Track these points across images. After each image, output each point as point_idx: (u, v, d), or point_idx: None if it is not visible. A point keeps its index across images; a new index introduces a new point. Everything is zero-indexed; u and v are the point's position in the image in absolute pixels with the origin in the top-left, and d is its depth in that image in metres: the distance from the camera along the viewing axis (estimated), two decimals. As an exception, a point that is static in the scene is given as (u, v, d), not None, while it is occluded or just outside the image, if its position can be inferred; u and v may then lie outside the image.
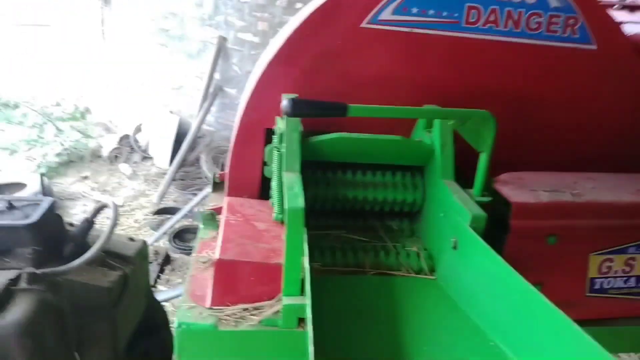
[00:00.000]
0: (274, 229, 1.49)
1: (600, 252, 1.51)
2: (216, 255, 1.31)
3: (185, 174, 5.36)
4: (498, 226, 1.44)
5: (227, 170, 1.76)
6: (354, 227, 1.69)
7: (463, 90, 1.69)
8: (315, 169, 1.60)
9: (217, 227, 1.72)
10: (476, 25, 1.62)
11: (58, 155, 5.55)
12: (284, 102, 1.21)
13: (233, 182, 1.72)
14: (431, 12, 1.58)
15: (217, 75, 5.45)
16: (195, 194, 5.14)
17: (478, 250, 1.30)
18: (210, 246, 1.57)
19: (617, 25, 1.74)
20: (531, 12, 1.63)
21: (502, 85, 1.71)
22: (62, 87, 7.11)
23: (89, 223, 1.43)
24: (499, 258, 1.24)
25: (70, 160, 5.60)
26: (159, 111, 5.93)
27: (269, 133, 1.66)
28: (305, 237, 1.23)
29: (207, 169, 5.27)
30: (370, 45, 1.61)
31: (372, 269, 1.52)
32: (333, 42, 1.59)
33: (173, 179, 5.18)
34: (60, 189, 5.02)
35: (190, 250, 4.27)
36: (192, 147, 5.45)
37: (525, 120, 1.77)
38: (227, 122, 5.65)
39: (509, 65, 1.70)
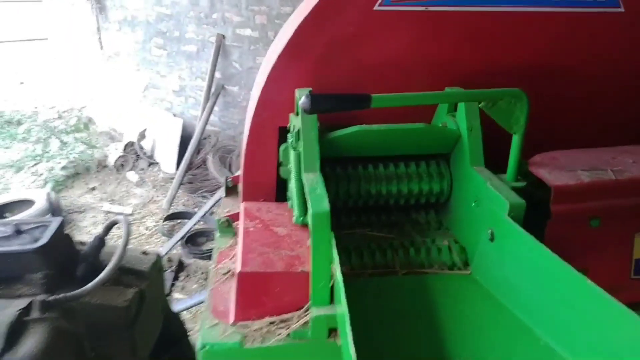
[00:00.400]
0: (296, 232, 1.40)
1: (647, 231, 1.40)
2: (237, 268, 1.22)
3: (193, 177, 5.29)
4: (536, 212, 1.34)
5: (240, 173, 1.66)
6: (379, 223, 1.59)
7: (485, 69, 1.58)
8: (334, 165, 1.50)
9: (234, 234, 1.63)
10: (497, -2, 1.51)
11: (64, 168, 5.50)
12: (303, 99, 1.11)
13: (248, 186, 1.63)
14: (446, -13, 1.47)
15: (218, 74, 5.35)
16: (204, 197, 5.07)
17: (519, 240, 1.20)
18: (229, 256, 1.49)
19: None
20: (556, -22, 1.51)
21: (527, 60, 1.60)
22: (63, 99, 7.05)
23: (101, 241, 1.35)
24: (543, 247, 1.14)
25: (77, 172, 5.55)
26: (162, 115, 5.85)
27: (283, 131, 1.57)
28: (333, 242, 1.14)
29: (214, 170, 5.19)
30: (385, 28, 1.50)
31: (402, 269, 1.43)
32: (345, 28, 1.48)
33: (181, 183, 5.10)
34: (68, 202, 4.97)
35: (204, 254, 4.20)
36: (197, 149, 5.37)
37: (554, 96, 1.66)
38: (232, 120, 5.56)
39: (532, 38, 1.58)
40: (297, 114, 1.46)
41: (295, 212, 1.41)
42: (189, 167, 5.25)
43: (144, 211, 4.90)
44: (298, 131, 1.37)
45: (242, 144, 1.66)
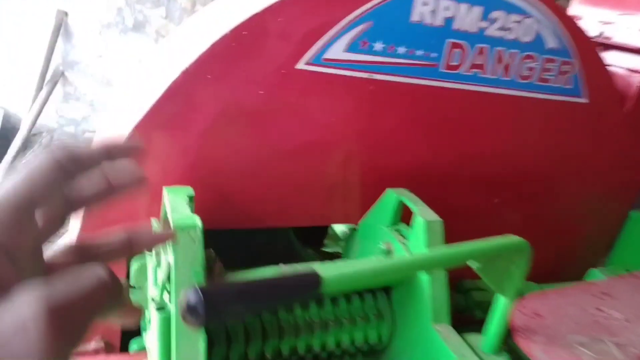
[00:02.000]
0: None
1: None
2: None
3: (16, 184, 4.21)
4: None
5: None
6: None
7: (436, 157, 1.18)
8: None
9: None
10: (458, 71, 1.10)
11: None
12: (187, 301, 0.53)
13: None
14: (401, 49, 1.02)
15: (57, 58, 4.33)
16: (30, 210, 4.07)
17: None
18: None
19: (609, 73, 1.34)
20: (526, 54, 1.15)
21: (485, 149, 1.23)
22: None
23: None
24: None
25: None
26: (-25, 99, 4.62)
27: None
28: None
29: (46, 178, 4.19)
30: (308, 96, 1.00)
31: None
32: (251, 90, 0.95)
33: (-3, 193, 4.03)
34: None
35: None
36: (25, 148, 4.31)
37: (514, 191, 1.33)
38: (72, 115, 4.57)
39: (493, 125, 1.21)
40: (164, 222, 0.89)
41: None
42: (11, 170, 4.16)
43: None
44: (169, 263, 0.81)
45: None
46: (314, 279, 0.60)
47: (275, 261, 1.31)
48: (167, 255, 0.81)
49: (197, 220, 0.79)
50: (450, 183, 1.23)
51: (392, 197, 1.06)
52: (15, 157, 4.24)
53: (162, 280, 0.80)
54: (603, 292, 1.14)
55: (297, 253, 1.37)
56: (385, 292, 1.09)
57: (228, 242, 1.18)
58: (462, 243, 0.79)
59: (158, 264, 0.85)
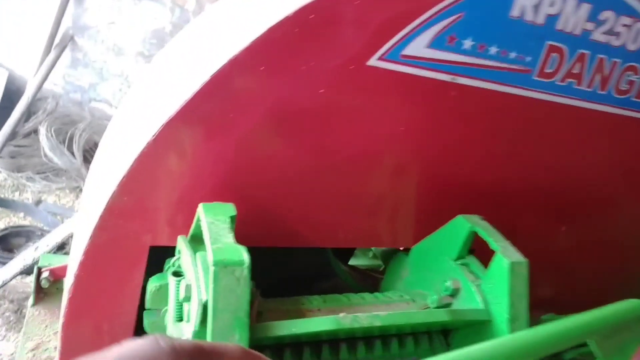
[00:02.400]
0: None
1: None
2: None
3: (17, 150, 4.07)
4: None
5: (62, 317, 0.86)
6: None
7: (511, 182, 1.00)
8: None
9: None
10: (552, 79, 0.91)
11: None
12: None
13: (69, 342, 0.84)
14: (493, 49, 0.83)
15: (67, 22, 4.13)
16: (31, 179, 3.93)
17: None
18: None
19: None
20: (628, 64, 0.97)
21: (567, 172, 1.06)
22: None
23: None
24: None
25: None
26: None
27: (158, 255, 0.82)
28: None
29: (47, 146, 4.04)
30: (377, 98, 0.82)
31: None
32: (311, 88, 0.77)
33: (-1, 156, 3.89)
34: None
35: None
36: (28, 114, 4.14)
37: (584, 220, 1.16)
38: (80, 82, 4.39)
39: (581, 145, 1.03)
40: (191, 242, 0.72)
41: None
42: (13, 135, 4.02)
43: None
44: (205, 305, 0.64)
45: (71, 263, 0.86)
46: None
47: (310, 277, 1.15)
48: (202, 293, 0.64)
49: (245, 255, 0.62)
50: (523, 209, 1.06)
51: (463, 225, 0.89)
52: (18, 122, 4.08)
53: (195, 324, 0.63)
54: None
55: (332, 270, 1.20)
56: (443, 335, 0.93)
57: (262, 258, 1.02)
58: (573, 316, 0.62)
59: (187, 298, 0.68)
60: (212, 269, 0.60)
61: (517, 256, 0.81)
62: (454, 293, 0.87)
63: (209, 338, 0.62)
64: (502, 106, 0.90)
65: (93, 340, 0.85)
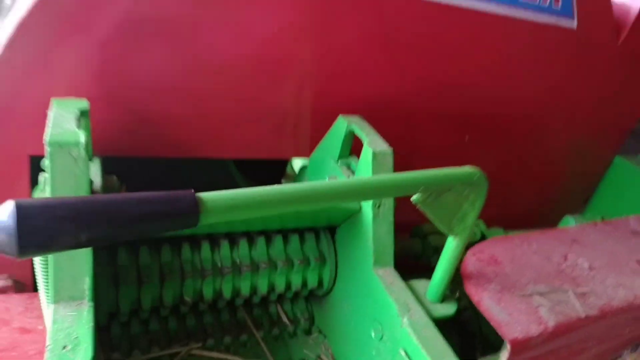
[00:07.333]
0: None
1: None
2: None
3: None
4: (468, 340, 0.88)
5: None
6: (219, 329, 0.96)
7: (402, 87, 1.02)
8: (140, 245, 0.84)
9: None
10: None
11: None
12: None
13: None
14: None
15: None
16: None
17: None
18: None
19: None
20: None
21: (459, 77, 1.08)
22: None
23: None
24: None
25: None
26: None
27: (37, 165, 0.84)
28: None
29: None
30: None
31: None
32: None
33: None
34: None
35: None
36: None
37: (488, 128, 1.19)
38: None
39: (471, 49, 1.05)
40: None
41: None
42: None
43: None
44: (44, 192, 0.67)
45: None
46: (189, 203, 0.47)
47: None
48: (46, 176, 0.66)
49: (81, 137, 0.64)
50: (417, 116, 1.08)
51: (342, 125, 0.92)
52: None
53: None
54: (573, 239, 1.02)
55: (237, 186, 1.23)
56: (330, 232, 0.97)
57: (152, 172, 1.04)
58: (406, 172, 0.66)
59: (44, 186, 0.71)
60: (47, 149, 0.62)
61: (383, 146, 0.84)
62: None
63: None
64: (381, 6, 0.91)
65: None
